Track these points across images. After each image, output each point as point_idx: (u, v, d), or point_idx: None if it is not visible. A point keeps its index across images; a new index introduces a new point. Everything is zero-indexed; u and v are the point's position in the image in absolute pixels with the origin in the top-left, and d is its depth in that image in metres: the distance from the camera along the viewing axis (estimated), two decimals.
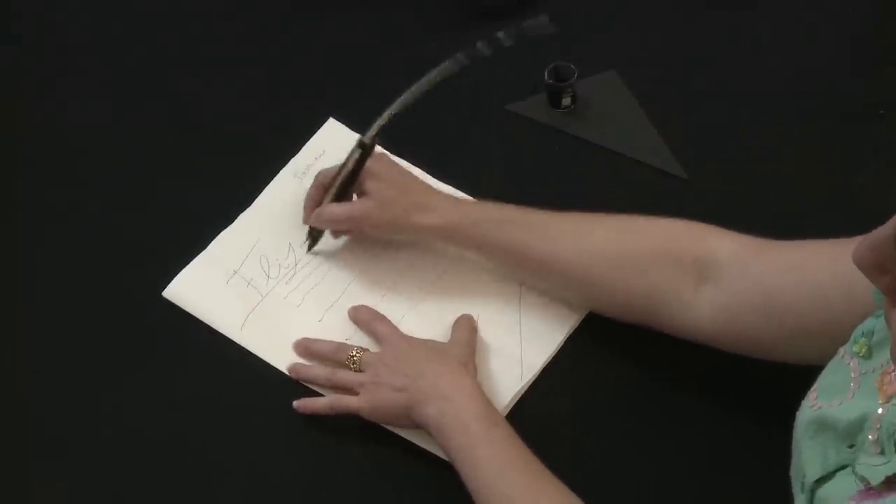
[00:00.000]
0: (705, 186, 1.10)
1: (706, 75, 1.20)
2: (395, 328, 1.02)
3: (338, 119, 1.19)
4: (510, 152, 1.17)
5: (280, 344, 1.03)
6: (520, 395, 0.99)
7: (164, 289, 1.07)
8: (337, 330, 1.04)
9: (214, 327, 1.05)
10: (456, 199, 1.06)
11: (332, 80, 1.25)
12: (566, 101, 1.19)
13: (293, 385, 1.01)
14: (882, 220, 0.65)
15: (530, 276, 1.04)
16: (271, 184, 1.15)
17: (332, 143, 1.14)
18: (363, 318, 1.04)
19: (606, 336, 1.02)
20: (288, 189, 1.14)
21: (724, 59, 1.23)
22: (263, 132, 1.21)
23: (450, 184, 1.13)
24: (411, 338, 1.01)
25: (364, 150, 1.03)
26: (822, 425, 0.74)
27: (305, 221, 1.08)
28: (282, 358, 1.02)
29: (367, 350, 1.00)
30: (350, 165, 1.04)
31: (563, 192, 1.13)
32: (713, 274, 0.92)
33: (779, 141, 1.16)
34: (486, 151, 1.17)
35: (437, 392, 0.94)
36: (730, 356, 0.98)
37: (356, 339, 1.03)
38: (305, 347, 1.02)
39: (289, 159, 1.17)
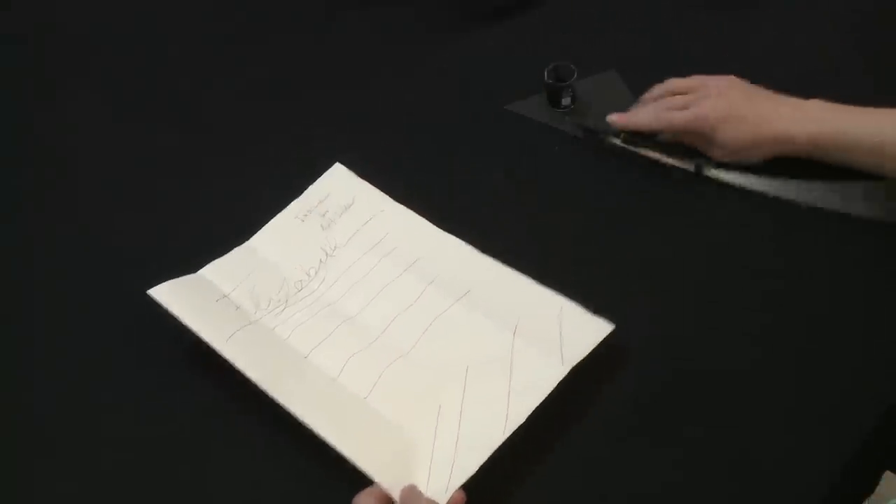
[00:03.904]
0: (705, 186, 1.10)
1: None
2: None
3: (338, 118, 1.19)
4: (510, 152, 1.17)
5: (264, 363, 1.00)
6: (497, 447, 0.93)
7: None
8: (321, 369, 1.00)
9: (200, 335, 1.01)
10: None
11: (332, 79, 1.25)
12: (566, 100, 1.19)
13: None
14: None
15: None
16: (271, 222, 1.12)
17: (337, 186, 1.12)
18: None
19: (606, 338, 1.02)
20: (288, 229, 1.12)
21: (723, 58, 1.23)
22: (263, 132, 1.21)
23: (449, 184, 1.13)
24: None
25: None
26: None
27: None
28: (264, 376, 0.98)
29: None
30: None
31: (563, 192, 1.13)
32: None
33: None
34: (486, 151, 1.17)
35: None
36: (733, 357, 0.98)
37: (342, 378, 0.99)
38: None
39: (288, 158, 1.17)
